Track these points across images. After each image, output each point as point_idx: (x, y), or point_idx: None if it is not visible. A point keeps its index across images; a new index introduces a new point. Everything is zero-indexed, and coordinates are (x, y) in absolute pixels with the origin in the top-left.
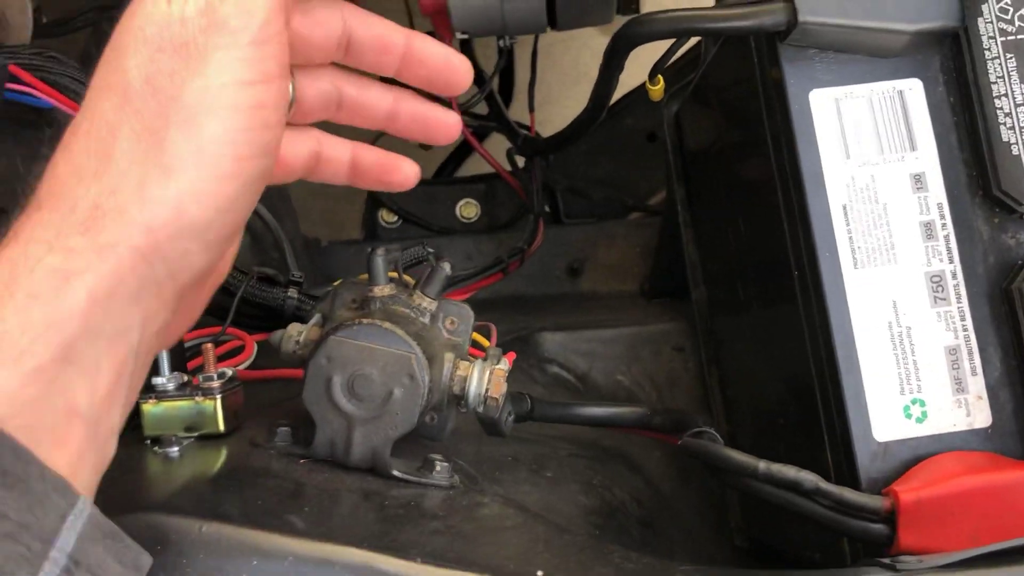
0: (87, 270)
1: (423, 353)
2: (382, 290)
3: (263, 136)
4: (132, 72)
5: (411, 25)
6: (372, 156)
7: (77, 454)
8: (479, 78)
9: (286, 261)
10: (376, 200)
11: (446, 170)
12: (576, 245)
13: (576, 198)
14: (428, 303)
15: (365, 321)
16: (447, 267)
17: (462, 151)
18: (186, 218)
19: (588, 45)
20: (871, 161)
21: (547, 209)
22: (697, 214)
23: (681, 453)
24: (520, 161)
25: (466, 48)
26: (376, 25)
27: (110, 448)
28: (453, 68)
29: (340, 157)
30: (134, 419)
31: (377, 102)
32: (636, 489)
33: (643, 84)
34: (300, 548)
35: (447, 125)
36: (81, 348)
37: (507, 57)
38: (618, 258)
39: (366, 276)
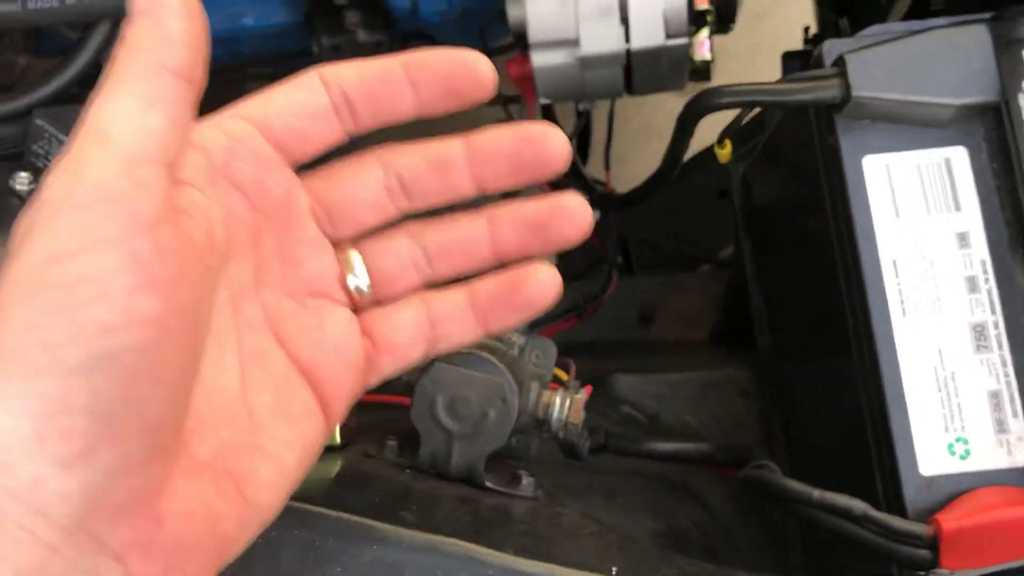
0: None
1: (513, 380)
2: None
3: (125, 359)
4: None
5: (498, 91)
6: (491, 290)
7: None
8: None
9: None
10: None
11: None
12: (648, 294)
13: (648, 250)
14: (517, 338)
15: (465, 351)
16: None
17: None
18: (10, 435)
19: (660, 106)
20: (919, 220)
21: (620, 260)
22: (763, 267)
23: (743, 489)
24: (595, 214)
25: (548, 111)
26: (424, 148)
27: None
28: (534, 139)
29: (460, 315)
30: None
31: (471, 235)
32: (700, 519)
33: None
34: (411, 538)
35: (575, 218)
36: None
37: (585, 119)
38: (688, 307)
39: None
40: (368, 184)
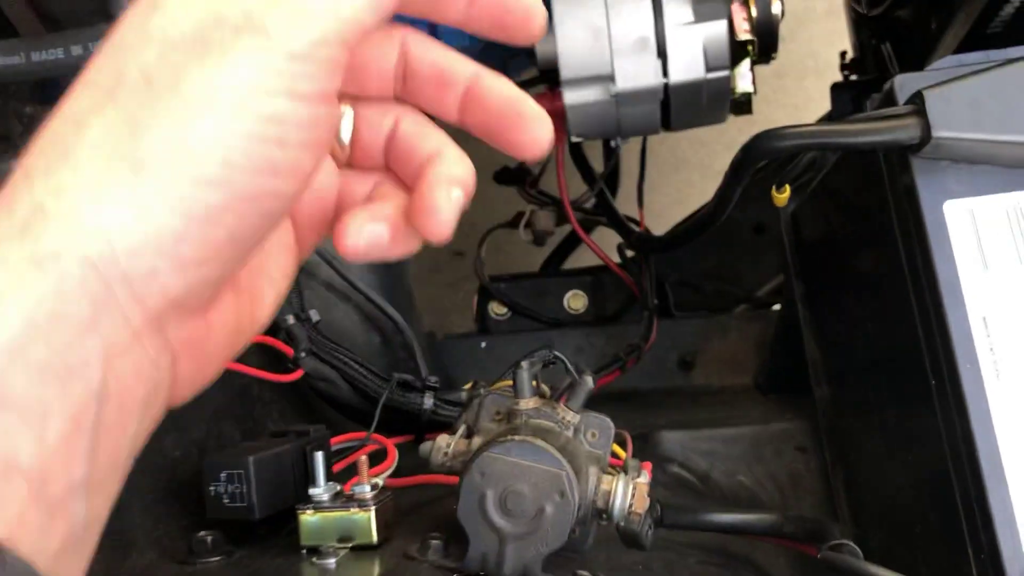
0: (22, 287)
1: (571, 469)
2: (528, 403)
3: (270, 151)
4: (130, 67)
5: None
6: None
7: (16, 516)
8: (589, 175)
9: (415, 362)
10: (487, 293)
11: (553, 262)
12: (688, 338)
13: (687, 291)
14: (572, 416)
15: (517, 438)
16: (590, 381)
17: (569, 244)
18: (151, 224)
19: (686, 134)
20: (1011, 271)
21: (656, 301)
22: (818, 312)
23: (812, 563)
24: (627, 253)
25: (576, 150)
26: (437, 53)
27: (74, 514)
28: (525, 117)
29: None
30: (290, 527)
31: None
32: None
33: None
34: None
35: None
36: (18, 386)
37: (616, 156)
38: (731, 351)
39: (505, 383)
40: (385, 56)
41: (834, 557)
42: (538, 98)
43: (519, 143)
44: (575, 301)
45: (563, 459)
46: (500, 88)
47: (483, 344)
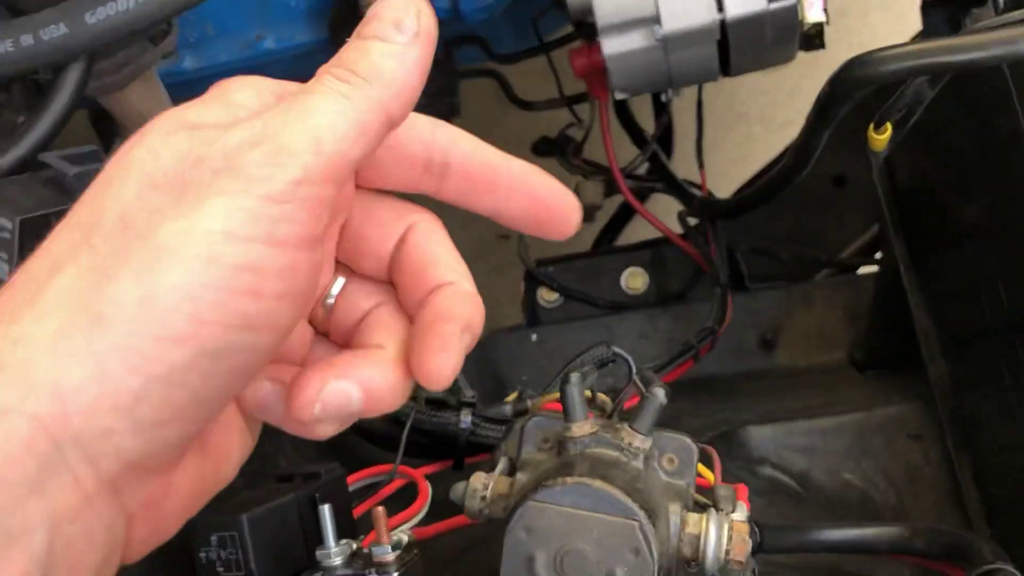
0: None
1: (646, 515)
2: (581, 427)
3: (243, 304)
4: (108, 208)
5: (560, 91)
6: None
7: None
8: (639, 137)
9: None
10: (534, 279)
11: (606, 239)
12: (767, 313)
13: (762, 259)
14: (641, 441)
15: (571, 480)
16: (661, 394)
17: (622, 217)
18: (108, 384)
19: (742, 84)
20: None
21: (727, 274)
22: (926, 273)
23: None
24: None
25: (622, 110)
26: (436, 250)
27: None
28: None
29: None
30: None
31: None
32: None
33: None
34: None
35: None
36: None
37: (668, 112)
38: (818, 325)
39: (554, 399)
40: (387, 237)
41: None
42: (573, 54)
43: (417, 360)
44: (634, 280)
45: (634, 504)
46: (445, 302)
47: (533, 337)
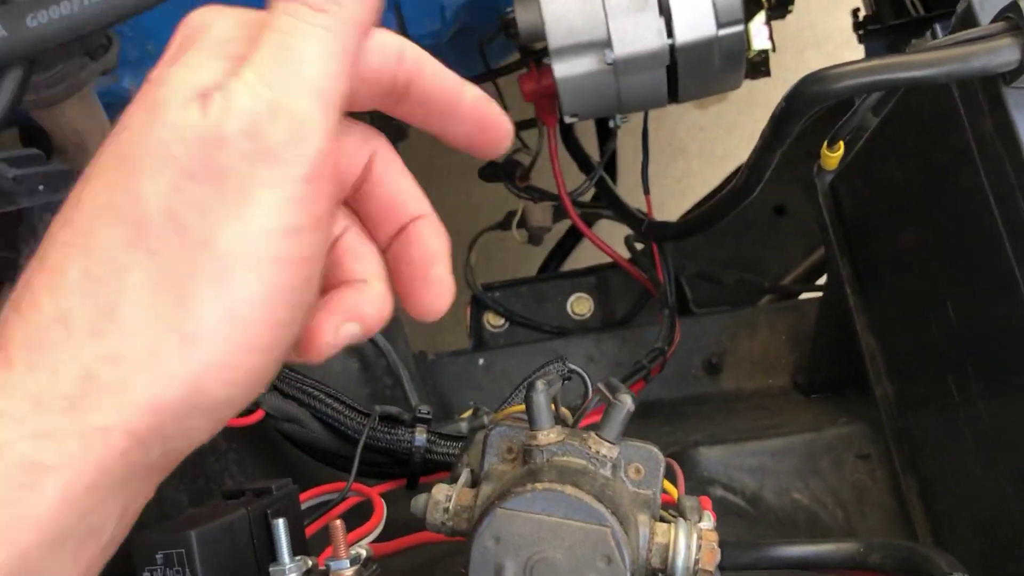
0: (65, 464)
1: (617, 522)
2: (548, 435)
3: (303, 296)
4: (150, 200)
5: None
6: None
7: None
8: (586, 163)
9: (402, 390)
10: (480, 303)
11: (552, 263)
12: (712, 337)
13: (706, 284)
14: (608, 449)
15: (540, 485)
16: (629, 401)
17: (567, 242)
18: (203, 397)
19: (682, 119)
20: None
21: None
22: (872, 295)
23: None
24: (636, 246)
25: (569, 134)
26: (399, 182)
27: None
28: (431, 281)
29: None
30: None
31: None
32: None
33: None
34: None
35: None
36: (39, 559)
37: (614, 138)
38: (761, 349)
39: (515, 409)
40: (351, 165)
41: None
42: (523, 79)
43: (416, 300)
44: (579, 305)
45: (606, 511)
46: (429, 241)
47: (480, 361)
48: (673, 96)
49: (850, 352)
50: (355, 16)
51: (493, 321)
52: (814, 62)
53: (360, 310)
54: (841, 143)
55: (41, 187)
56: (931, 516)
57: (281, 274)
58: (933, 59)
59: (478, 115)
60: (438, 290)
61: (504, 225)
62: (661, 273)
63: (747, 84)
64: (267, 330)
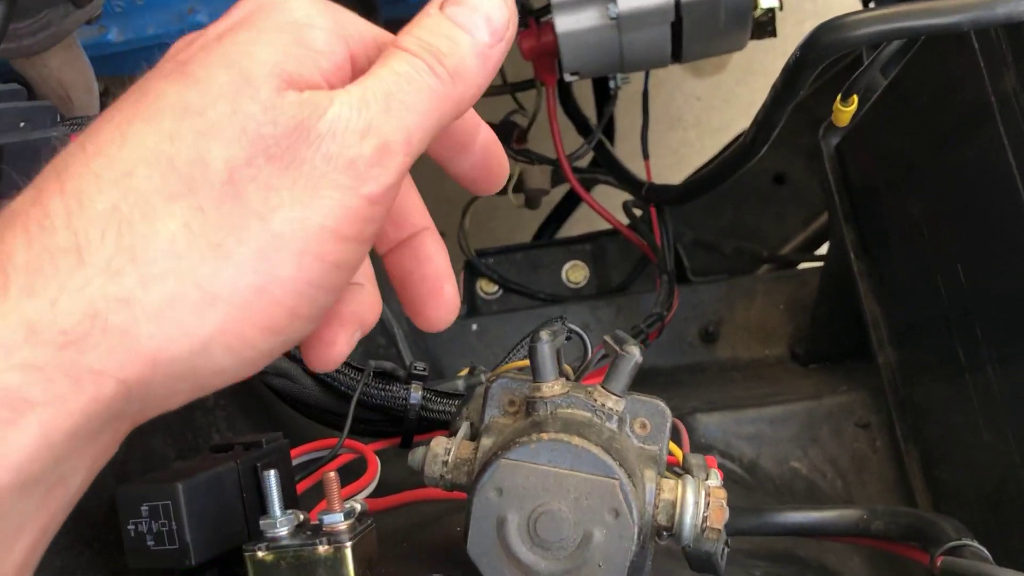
0: (50, 403)
1: (626, 474)
2: (553, 387)
3: (326, 298)
4: (217, 163)
5: (503, 78)
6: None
7: None
8: (584, 125)
9: (396, 348)
10: (474, 269)
11: (548, 229)
12: (709, 306)
13: (704, 252)
14: (614, 402)
15: (546, 436)
16: (637, 353)
17: (564, 208)
18: (204, 360)
19: (680, 89)
20: None
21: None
22: (877, 261)
23: (895, 564)
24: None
25: (567, 95)
26: (409, 196)
27: None
28: (441, 297)
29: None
30: (237, 571)
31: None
32: None
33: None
34: None
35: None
36: (7, 502)
37: (613, 100)
38: (759, 318)
39: (517, 365)
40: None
41: (963, 565)
42: (523, 35)
43: (427, 315)
44: (574, 273)
45: (614, 463)
46: (438, 259)
47: (474, 326)
48: (676, 55)
49: (852, 320)
50: (460, 96)
51: (486, 288)
52: None
53: (363, 316)
54: (855, 97)
55: (22, 124)
56: (932, 486)
57: (318, 270)
58: (957, 5)
59: (487, 155)
60: (448, 307)
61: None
62: (660, 238)
63: (745, 54)
64: (285, 315)
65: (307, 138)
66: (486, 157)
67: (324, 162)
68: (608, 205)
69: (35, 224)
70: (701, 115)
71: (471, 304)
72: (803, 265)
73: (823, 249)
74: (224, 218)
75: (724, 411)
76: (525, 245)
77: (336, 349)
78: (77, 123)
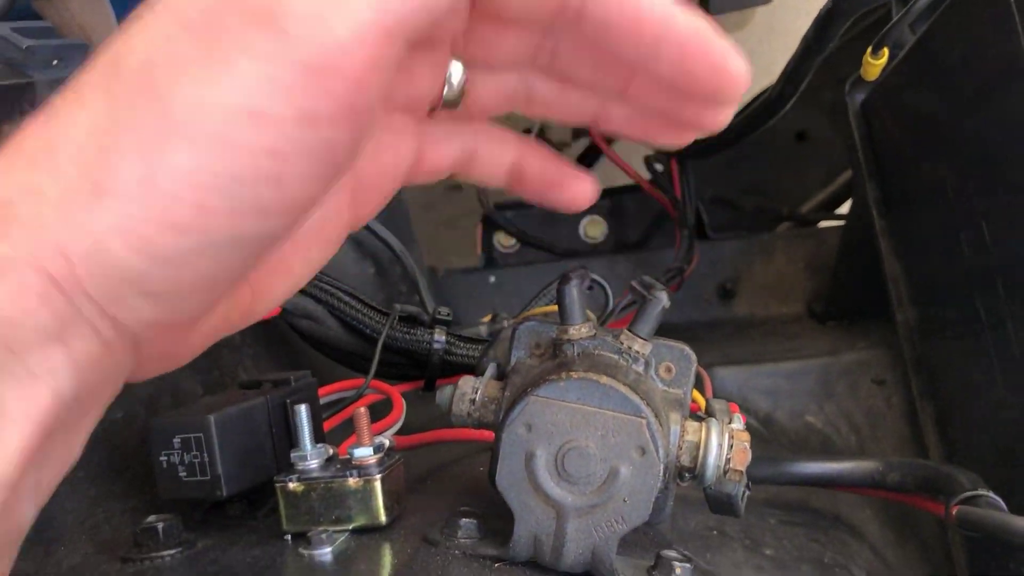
0: None
1: (652, 413)
2: (579, 330)
3: (259, 192)
4: (136, 47)
5: None
6: (537, 165)
7: None
8: None
9: (418, 295)
10: (492, 223)
11: None
12: (728, 263)
13: (723, 209)
14: (641, 345)
15: (575, 374)
16: (664, 297)
17: (586, 161)
18: (109, 259)
19: None
20: None
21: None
22: (900, 220)
23: (907, 514)
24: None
25: None
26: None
27: (20, 518)
28: (727, 69)
29: (499, 159)
30: (266, 506)
31: (576, 103)
32: (866, 562)
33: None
34: None
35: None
36: None
37: None
38: (776, 276)
39: (539, 311)
40: (520, 43)
41: (975, 513)
42: None
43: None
44: (592, 228)
45: (641, 402)
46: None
47: (491, 279)
48: (704, 6)
49: (872, 278)
50: None
51: (504, 241)
52: None
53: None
54: (885, 50)
55: (55, 61)
56: (946, 443)
57: (223, 159)
58: None
59: (696, 48)
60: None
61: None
62: (680, 192)
63: (766, 12)
64: (190, 211)
65: (234, 7)
66: (697, 53)
67: (245, 25)
68: (629, 160)
69: (15, 135)
70: None
71: (489, 256)
72: (822, 224)
73: (842, 208)
74: (126, 100)
75: (741, 365)
76: None
77: (576, 188)
78: None
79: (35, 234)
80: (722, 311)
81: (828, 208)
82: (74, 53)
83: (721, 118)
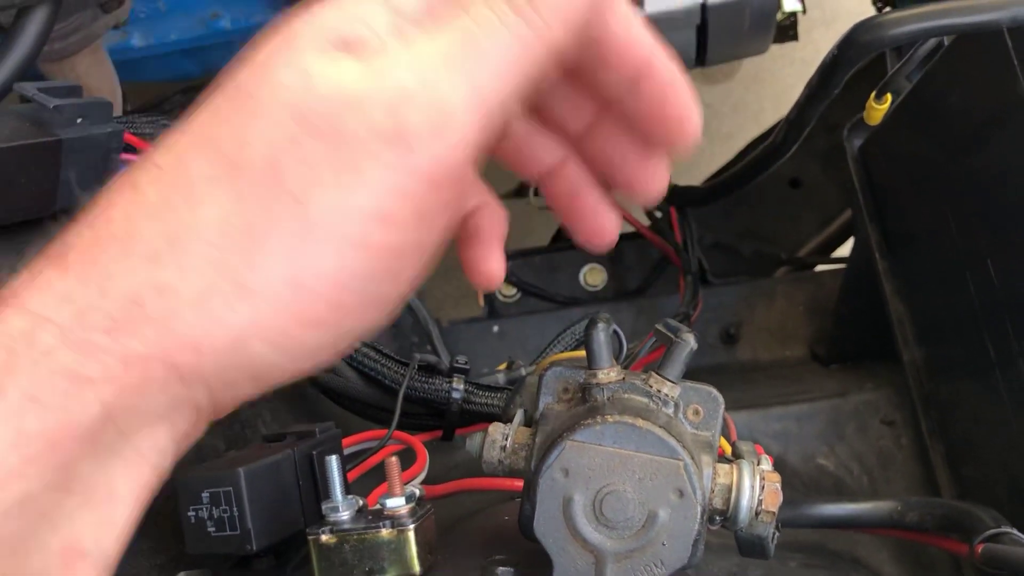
0: (106, 379)
1: (689, 455)
2: (608, 375)
3: (382, 287)
4: (255, 144)
5: None
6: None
7: None
8: None
9: (432, 346)
10: None
11: (564, 235)
12: (729, 307)
13: (723, 255)
14: (669, 388)
15: (611, 418)
16: (692, 340)
17: None
18: (244, 354)
19: None
20: None
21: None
22: (903, 260)
23: (922, 555)
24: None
25: None
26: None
27: None
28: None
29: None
30: (299, 559)
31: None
32: None
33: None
34: None
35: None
36: (87, 473)
37: None
38: (779, 319)
39: (557, 358)
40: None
41: (1005, 552)
42: None
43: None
44: (592, 276)
45: (678, 445)
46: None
47: (495, 328)
48: (700, 59)
49: (875, 319)
50: (554, 39)
51: (505, 291)
52: (822, 41)
53: (500, 228)
54: (888, 96)
55: (79, 119)
56: (958, 481)
57: (362, 260)
58: (993, 3)
59: (664, 90)
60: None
61: (519, 192)
62: (681, 238)
63: (754, 62)
64: (328, 308)
65: (357, 111)
66: (663, 97)
67: (371, 137)
68: (630, 205)
69: (102, 215)
70: (710, 122)
71: (490, 307)
72: (820, 267)
73: (839, 251)
74: (260, 203)
75: (750, 409)
76: (543, 248)
77: (493, 264)
78: (128, 121)
79: (167, 332)
80: (726, 355)
81: (824, 252)
82: (97, 111)
83: (658, 181)
